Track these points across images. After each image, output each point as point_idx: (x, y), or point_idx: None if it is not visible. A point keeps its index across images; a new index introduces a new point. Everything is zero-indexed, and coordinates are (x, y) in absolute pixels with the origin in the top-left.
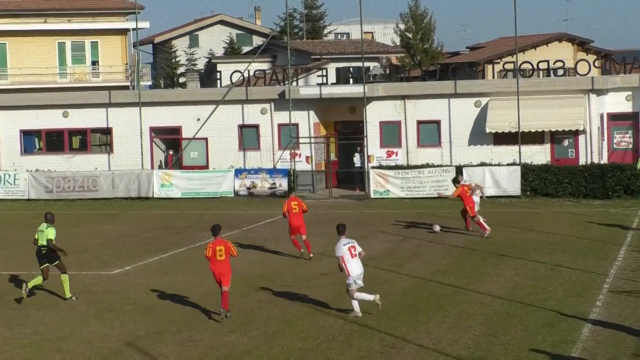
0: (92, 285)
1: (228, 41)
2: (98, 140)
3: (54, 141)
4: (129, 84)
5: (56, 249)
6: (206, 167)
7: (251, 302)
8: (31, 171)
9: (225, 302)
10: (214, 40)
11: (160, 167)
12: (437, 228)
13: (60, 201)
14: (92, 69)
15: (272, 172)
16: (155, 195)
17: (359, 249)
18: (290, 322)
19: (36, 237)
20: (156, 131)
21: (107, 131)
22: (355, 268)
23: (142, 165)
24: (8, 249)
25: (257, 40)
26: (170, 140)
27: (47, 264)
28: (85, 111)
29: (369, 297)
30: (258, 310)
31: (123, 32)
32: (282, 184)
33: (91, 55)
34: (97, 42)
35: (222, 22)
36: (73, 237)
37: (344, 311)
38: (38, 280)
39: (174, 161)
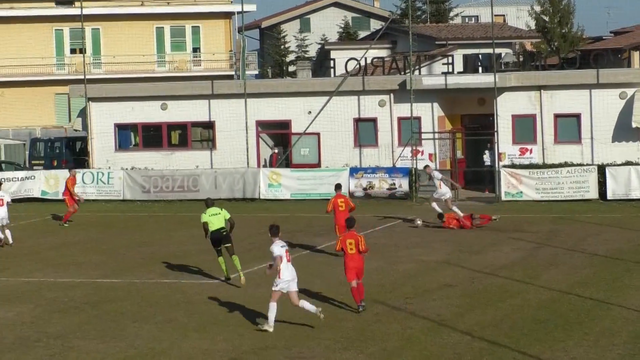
0: (193, 295)
1: (343, 25)
2: (199, 135)
3: (151, 136)
4: (233, 73)
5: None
6: (318, 165)
7: (368, 315)
8: (126, 169)
9: (355, 296)
10: (327, 24)
11: (265, 166)
12: (418, 222)
13: (158, 202)
14: (193, 57)
15: (391, 171)
16: (261, 197)
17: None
18: (411, 339)
19: (204, 221)
20: (263, 125)
21: (209, 125)
22: (287, 273)
23: (248, 164)
24: (102, 254)
25: (375, 25)
26: (279, 136)
27: (223, 246)
28: (185, 103)
29: (312, 308)
30: (375, 325)
31: (227, 15)
32: (403, 184)
33: (192, 41)
34: (198, 26)
35: (337, 5)
36: (172, 241)
37: (466, 332)
38: (223, 263)
39: (280, 160)
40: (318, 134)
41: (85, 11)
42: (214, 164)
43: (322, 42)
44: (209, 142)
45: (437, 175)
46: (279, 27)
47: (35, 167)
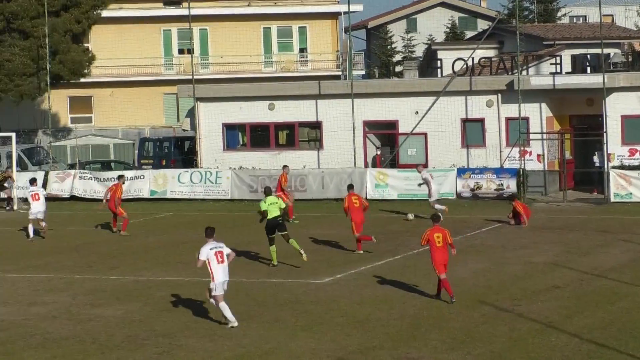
0: (300, 294)
1: (449, 25)
2: (306, 135)
3: (259, 136)
4: (340, 73)
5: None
6: (425, 165)
7: (475, 316)
8: (234, 169)
9: (448, 288)
10: (433, 24)
11: (373, 164)
12: (410, 216)
13: None
14: (300, 57)
15: (499, 171)
16: (368, 197)
17: (227, 250)
18: (518, 340)
19: (264, 209)
20: (370, 125)
21: (316, 125)
22: (220, 274)
23: (355, 164)
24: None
25: (482, 24)
26: (385, 136)
27: (278, 234)
28: (292, 103)
29: (229, 314)
30: (483, 327)
31: (334, 15)
32: (510, 185)
33: (299, 41)
34: (305, 27)
35: (443, 5)
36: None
37: (575, 334)
38: (274, 252)
39: (386, 161)
40: (425, 134)
41: (193, 12)
42: (321, 164)
43: (429, 42)
44: (316, 142)
45: (424, 175)
46: (386, 27)
47: (144, 167)
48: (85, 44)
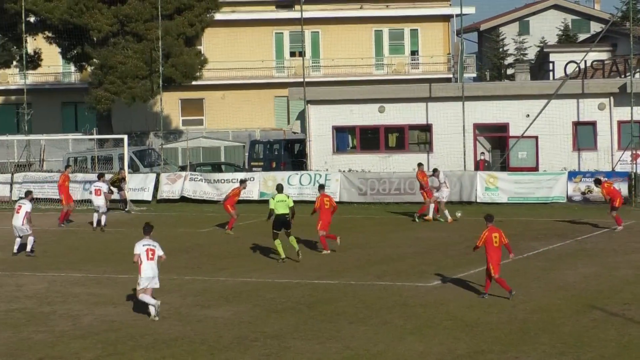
0: (409, 297)
1: (562, 28)
2: (417, 138)
3: (369, 139)
4: (450, 75)
5: (292, 216)
6: (536, 169)
7: (585, 321)
8: (344, 171)
9: (505, 285)
10: (546, 27)
11: (477, 168)
12: (458, 214)
13: (375, 204)
14: (411, 60)
15: (610, 175)
16: (478, 200)
17: (159, 252)
18: (629, 346)
19: (272, 207)
20: (480, 128)
21: (426, 128)
22: (147, 270)
23: (465, 166)
24: (319, 256)
25: (595, 27)
26: (496, 139)
27: (283, 230)
28: (403, 106)
29: (152, 301)
30: (593, 331)
31: (445, 18)
32: (622, 188)
33: (410, 44)
34: (416, 29)
35: (556, 7)
36: (388, 244)
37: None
38: (279, 246)
39: (489, 166)
40: (536, 137)
41: (305, 15)
42: (432, 167)
43: (541, 44)
44: (426, 144)
45: (442, 179)
46: (498, 29)
47: (254, 169)
48: (198, 47)
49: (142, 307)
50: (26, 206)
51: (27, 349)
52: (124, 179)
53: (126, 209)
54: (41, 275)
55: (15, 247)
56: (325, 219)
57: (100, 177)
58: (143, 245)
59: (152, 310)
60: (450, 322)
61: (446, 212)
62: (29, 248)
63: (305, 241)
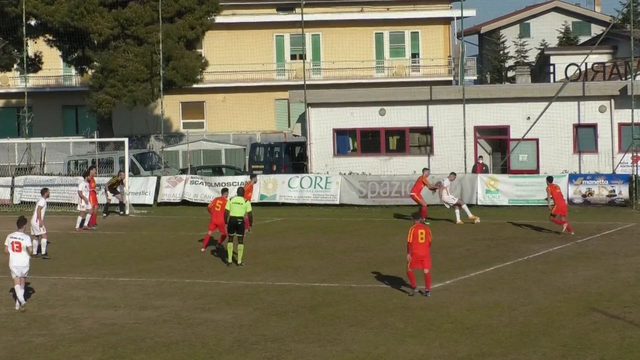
0: (409, 300)
1: (563, 30)
2: (417, 140)
3: (370, 141)
4: (451, 78)
5: (250, 223)
6: (536, 171)
7: (586, 323)
8: (344, 174)
9: (428, 284)
10: (547, 29)
11: (473, 171)
12: (477, 220)
13: (375, 207)
14: (412, 62)
15: (611, 178)
16: (479, 202)
17: (27, 244)
18: (630, 348)
19: (227, 208)
20: (481, 131)
21: (427, 131)
22: (14, 260)
23: (465, 169)
24: (319, 259)
25: (596, 29)
26: (497, 141)
27: (235, 234)
28: (403, 109)
29: (20, 300)
30: (594, 334)
31: (446, 21)
32: (622, 191)
33: (411, 47)
34: (417, 32)
35: (557, 9)
36: (388, 246)
37: None
38: (230, 248)
39: (485, 168)
40: (537, 140)
41: (306, 17)
42: (432, 170)
43: (542, 47)
44: (427, 147)
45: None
46: (498, 32)
47: (254, 172)
48: (199, 50)
49: (142, 311)
50: (39, 202)
51: (27, 352)
52: (122, 181)
53: (121, 212)
54: (42, 278)
55: (34, 250)
56: (218, 220)
57: (85, 175)
58: (10, 238)
59: (17, 304)
60: (451, 324)
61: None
62: (43, 250)
63: (310, 244)
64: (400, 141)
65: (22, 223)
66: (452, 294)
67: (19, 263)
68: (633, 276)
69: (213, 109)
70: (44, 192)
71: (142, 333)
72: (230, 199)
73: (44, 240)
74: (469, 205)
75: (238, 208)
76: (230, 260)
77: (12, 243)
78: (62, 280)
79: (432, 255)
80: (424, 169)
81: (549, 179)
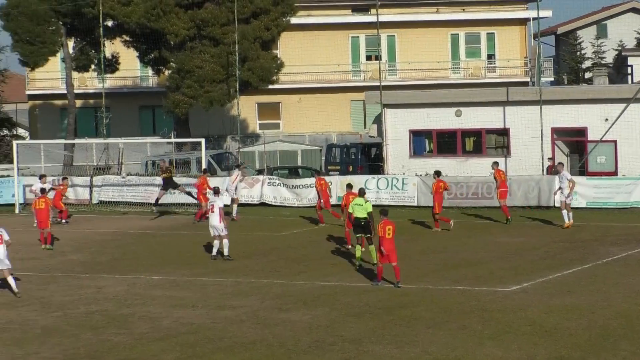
0: (487, 302)
1: None
2: (494, 142)
3: (446, 142)
4: (528, 79)
5: (373, 224)
6: (614, 173)
7: None
8: (421, 175)
9: (397, 275)
10: (624, 30)
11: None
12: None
13: (452, 208)
14: (488, 63)
15: None
16: (556, 205)
17: (6, 237)
18: None
19: (350, 210)
20: (558, 132)
21: (503, 132)
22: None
23: (543, 171)
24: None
25: None
26: (574, 143)
27: (362, 235)
28: (479, 110)
29: (13, 284)
30: None
31: (522, 22)
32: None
33: (487, 48)
34: (493, 33)
35: (634, 10)
36: (466, 248)
37: None
38: (359, 250)
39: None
40: (615, 142)
41: (381, 18)
42: (509, 171)
43: (619, 48)
44: (504, 148)
45: (568, 175)
46: (575, 33)
47: (331, 173)
48: (274, 51)
49: (220, 310)
50: (218, 202)
51: (106, 351)
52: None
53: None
54: (120, 277)
55: (214, 251)
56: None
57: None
58: None
59: (14, 286)
60: (529, 327)
61: (564, 212)
62: (226, 252)
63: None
64: (477, 142)
65: None
66: (530, 297)
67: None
68: None
69: (289, 110)
70: (217, 192)
71: (220, 333)
72: (351, 201)
73: (225, 241)
74: (547, 208)
75: (359, 209)
76: (358, 263)
77: None
78: (140, 280)
79: (509, 257)
80: (495, 162)
81: (495, 163)
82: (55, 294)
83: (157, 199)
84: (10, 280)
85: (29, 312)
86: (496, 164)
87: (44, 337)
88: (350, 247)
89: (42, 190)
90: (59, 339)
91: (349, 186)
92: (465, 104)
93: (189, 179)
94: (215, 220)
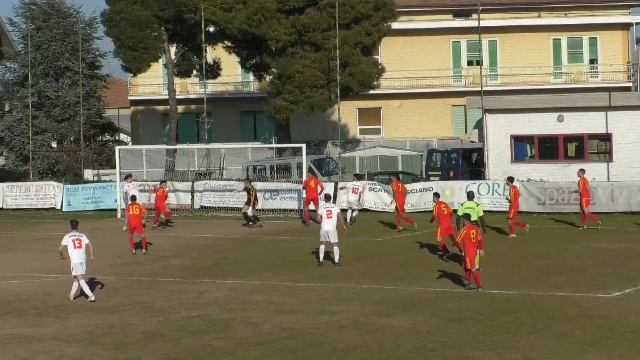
0: (589, 308)
1: None
2: (596, 147)
3: (548, 148)
4: (630, 84)
5: (483, 228)
6: None
7: None
8: (522, 181)
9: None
10: None
11: None
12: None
13: (553, 214)
14: (590, 68)
15: None
16: None
17: (86, 240)
18: None
19: (460, 213)
20: None
21: (606, 137)
22: (75, 257)
23: None
24: (497, 266)
25: None
26: None
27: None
28: (581, 115)
29: (87, 290)
30: None
31: (624, 26)
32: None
33: (589, 52)
34: (595, 38)
35: None
36: (568, 254)
37: None
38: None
39: None
40: None
41: (483, 23)
42: (611, 177)
43: None
44: (606, 154)
45: None
46: None
47: (431, 178)
48: (375, 56)
49: (320, 316)
50: (335, 209)
51: (207, 356)
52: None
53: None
54: (221, 282)
55: (321, 256)
56: (445, 224)
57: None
58: (70, 237)
59: (88, 293)
60: (632, 333)
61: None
62: (336, 259)
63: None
64: (579, 148)
65: (76, 225)
66: (632, 303)
67: (79, 259)
68: None
69: (389, 115)
70: (329, 199)
71: (320, 338)
72: (462, 204)
73: (335, 249)
74: None
75: (472, 212)
76: (477, 266)
77: (74, 240)
78: (241, 285)
79: (611, 263)
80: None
81: (510, 179)
82: (157, 299)
83: (246, 214)
84: (84, 285)
85: (130, 316)
86: (582, 171)
87: (146, 341)
88: (445, 259)
89: (133, 198)
90: (160, 343)
91: (437, 195)
92: (567, 109)
93: (290, 184)
94: (330, 226)
